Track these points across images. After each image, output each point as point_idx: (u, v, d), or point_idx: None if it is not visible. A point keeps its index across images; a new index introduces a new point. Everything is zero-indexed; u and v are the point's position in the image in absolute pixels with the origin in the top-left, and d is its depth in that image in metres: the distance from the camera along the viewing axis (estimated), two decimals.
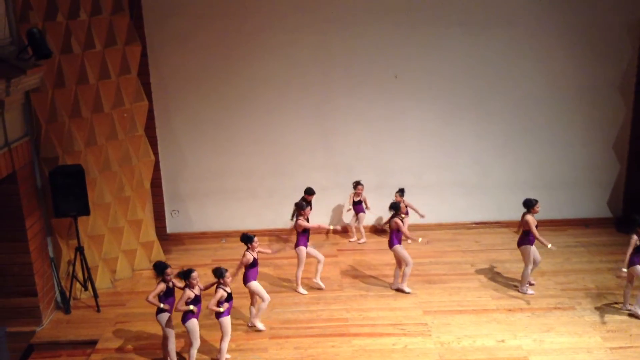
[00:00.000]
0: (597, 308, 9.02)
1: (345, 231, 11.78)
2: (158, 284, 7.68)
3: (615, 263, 10.24)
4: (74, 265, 9.35)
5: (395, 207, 9.36)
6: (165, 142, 11.35)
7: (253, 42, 10.88)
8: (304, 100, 11.24)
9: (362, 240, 11.48)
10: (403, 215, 10.04)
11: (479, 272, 10.24)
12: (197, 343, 7.73)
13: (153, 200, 11.38)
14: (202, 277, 8.01)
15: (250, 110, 11.25)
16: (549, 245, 9.09)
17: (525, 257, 9.31)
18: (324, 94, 11.23)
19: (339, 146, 11.52)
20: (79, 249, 9.20)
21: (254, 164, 11.53)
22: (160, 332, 7.98)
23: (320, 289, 9.69)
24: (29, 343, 8.58)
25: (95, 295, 9.37)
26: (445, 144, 11.56)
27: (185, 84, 11.06)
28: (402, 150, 11.55)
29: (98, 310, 9.31)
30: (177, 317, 7.82)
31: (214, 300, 7.58)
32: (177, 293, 7.81)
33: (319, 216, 11.63)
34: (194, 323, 7.63)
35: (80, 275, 9.44)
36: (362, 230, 11.49)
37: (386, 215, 11.72)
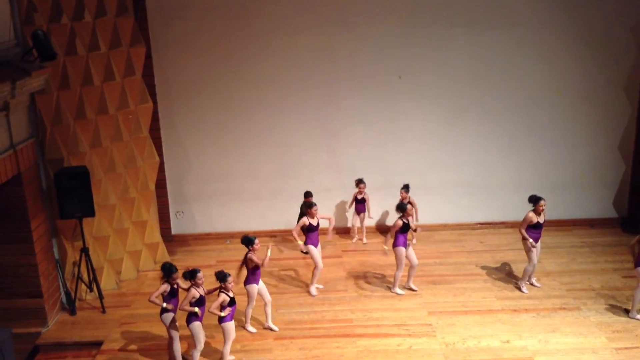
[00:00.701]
0: (602, 308, 8.99)
1: (347, 231, 11.77)
2: (162, 284, 7.70)
3: (620, 263, 10.24)
4: (79, 266, 9.37)
5: (401, 209, 9.26)
6: (170, 143, 11.38)
7: (257, 43, 10.89)
8: (307, 102, 11.25)
9: (364, 241, 11.47)
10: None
11: (484, 272, 10.22)
12: (200, 346, 7.72)
13: (158, 201, 11.41)
14: (207, 278, 8.02)
15: (254, 112, 11.27)
16: (529, 242, 9.18)
17: (525, 253, 9.34)
18: (328, 95, 11.23)
19: (342, 147, 11.52)
20: (84, 250, 9.23)
21: (258, 165, 11.54)
22: (166, 334, 7.99)
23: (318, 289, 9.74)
24: (35, 344, 8.60)
25: (101, 297, 9.40)
26: (449, 144, 11.54)
27: (190, 85, 11.09)
28: (406, 151, 11.54)
29: (103, 312, 9.34)
30: (181, 319, 7.84)
31: (215, 304, 7.58)
32: (181, 294, 7.82)
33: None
34: (197, 325, 7.63)
35: (85, 276, 9.47)
36: (364, 230, 11.48)
37: (388, 217, 11.84)
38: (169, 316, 7.75)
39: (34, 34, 7.57)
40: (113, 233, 10.02)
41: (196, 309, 7.55)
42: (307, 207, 9.50)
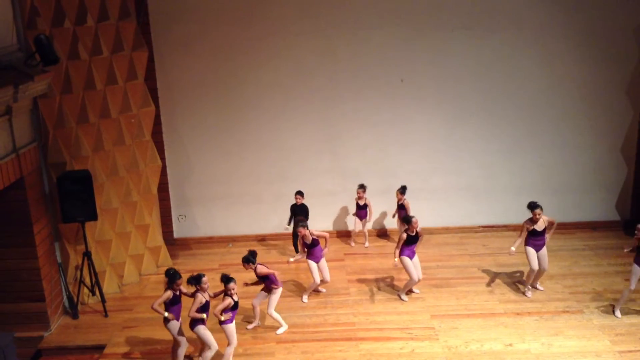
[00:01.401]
0: (605, 311, 8.97)
1: (349, 235, 11.76)
2: (165, 291, 7.68)
3: (623, 266, 10.21)
4: (81, 270, 9.38)
5: (407, 221, 9.18)
6: (172, 147, 11.39)
7: (259, 47, 10.90)
8: (310, 105, 11.25)
9: (365, 245, 11.46)
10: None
11: (486, 275, 10.21)
12: (214, 346, 7.72)
13: (160, 205, 11.42)
14: (209, 281, 8.00)
15: (256, 115, 11.28)
16: (512, 248, 9.31)
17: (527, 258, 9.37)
18: (330, 99, 11.24)
19: (344, 150, 11.52)
20: (87, 254, 9.23)
21: (261, 168, 11.55)
22: (168, 337, 7.99)
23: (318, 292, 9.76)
24: (37, 348, 8.61)
25: (103, 300, 9.40)
26: (451, 147, 11.54)
27: (192, 89, 11.10)
28: (408, 154, 11.54)
29: (105, 315, 9.34)
30: (184, 323, 7.83)
31: (220, 307, 7.59)
32: (184, 300, 7.81)
33: (325, 221, 11.72)
34: (202, 329, 7.63)
35: (87, 280, 9.48)
36: (366, 234, 11.48)
37: (385, 218, 11.84)
38: (175, 324, 7.70)
39: (37, 38, 7.58)
40: (115, 237, 10.02)
41: (204, 315, 7.55)
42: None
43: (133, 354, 8.40)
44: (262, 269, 8.43)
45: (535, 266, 9.28)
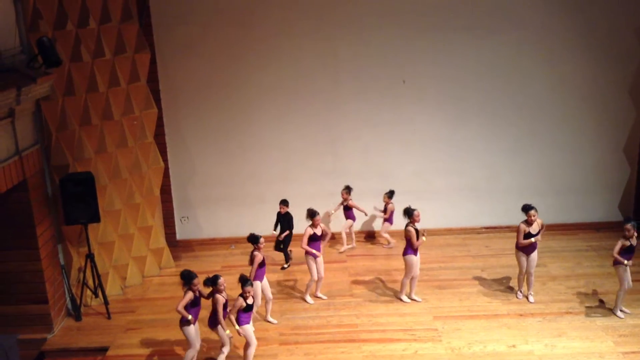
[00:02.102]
0: (608, 312, 8.95)
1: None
2: (186, 293, 7.60)
3: None
4: (84, 272, 9.39)
5: (408, 213, 9.15)
6: (175, 149, 11.40)
7: (261, 49, 10.91)
8: (311, 106, 11.26)
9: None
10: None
11: (489, 277, 10.19)
12: (227, 345, 7.81)
13: (163, 207, 11.42)
14: None
15: (258, 117, 11.29)
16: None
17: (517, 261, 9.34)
18: (332, 100, 11.24)
19: (346, 151, 11.53)
20: (90, 256, 9.24)
21: (263, 169, 11.55)
22: (170, 338, 7.99)
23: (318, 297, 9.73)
24: (40, 350, 8.61)
25: (106, 302, 9.41)
26: (453, 148, 11.53)
27: (194, 91, 11.11)
28: (410, 155, 11.54)
29: (108, 317, 9.34)
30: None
31: (234, 309, 7.62)
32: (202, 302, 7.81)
33: (325, 222, 11.62)
34: (219, 329, 7.70)
35: (90, 282, 9.48)
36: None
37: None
38: (191, 329, 7.65)
39: (39, 40, 7.60)
40: (118, 239, 10.03)
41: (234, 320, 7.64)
42: (311, 217, 9.35)
43: (136, 355, 8.39)
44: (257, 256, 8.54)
45: (524, 269, 9.23)
